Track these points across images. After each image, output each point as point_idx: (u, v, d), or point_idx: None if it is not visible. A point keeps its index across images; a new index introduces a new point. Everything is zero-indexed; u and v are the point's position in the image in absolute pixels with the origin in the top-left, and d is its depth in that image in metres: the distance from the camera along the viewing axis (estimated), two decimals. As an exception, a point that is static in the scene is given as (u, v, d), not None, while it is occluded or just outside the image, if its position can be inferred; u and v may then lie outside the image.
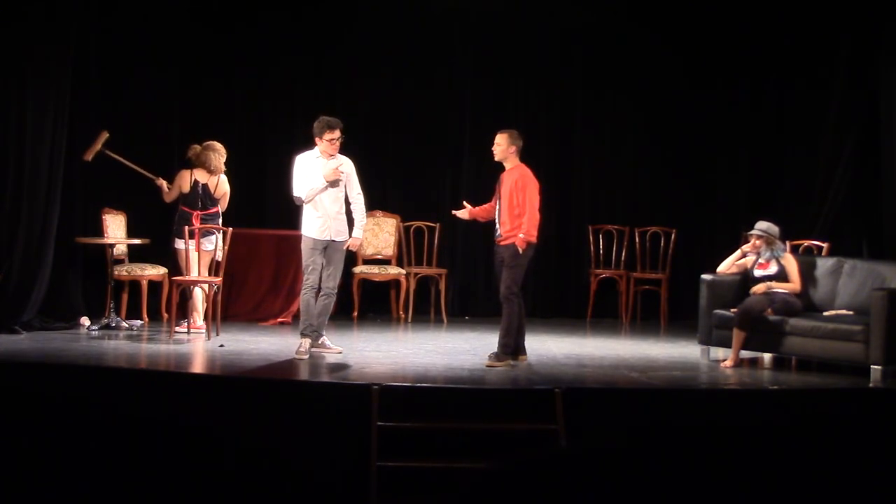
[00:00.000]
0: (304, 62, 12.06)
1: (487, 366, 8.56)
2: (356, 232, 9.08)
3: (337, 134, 8.91)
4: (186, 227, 9.89)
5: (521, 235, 8.60)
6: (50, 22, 9.80)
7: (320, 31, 11.98)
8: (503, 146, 8.85)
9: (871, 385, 8.23)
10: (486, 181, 11.94)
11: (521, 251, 8.62)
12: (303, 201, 8.92)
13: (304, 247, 8.92)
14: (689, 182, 12.35)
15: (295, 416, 7.41)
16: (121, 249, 10.58)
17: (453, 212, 9.44)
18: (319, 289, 8.93)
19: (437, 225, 11.93)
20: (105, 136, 10.27)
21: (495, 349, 8.70)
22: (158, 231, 10.64)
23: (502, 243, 8.77)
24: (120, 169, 10.63)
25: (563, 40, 12.32)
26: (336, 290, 9.04)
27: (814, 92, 11.46)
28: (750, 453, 7.43)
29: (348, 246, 9.05)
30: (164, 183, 10.32)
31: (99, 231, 10.47)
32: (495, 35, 12.21)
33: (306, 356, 8.72)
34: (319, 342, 8.95)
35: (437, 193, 12.34)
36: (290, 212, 11.57)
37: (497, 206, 8.87)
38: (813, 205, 11.19)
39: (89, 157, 10.24)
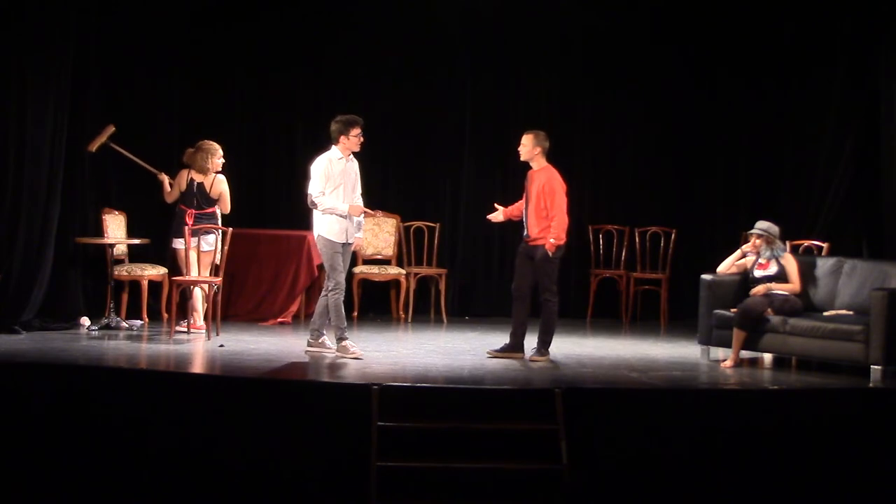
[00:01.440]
0: (304, 62, 12.04)
1: (531, 360, 8.85)
2: (357, 233, 9.07)
3: (361, 130, 8.91)
4: (185, 227, 9.90)
5: (552, 240, 8.74)
6: (50, 22, 9.79)
7: (320, 32, 11.97)
8: (528, 147, 8.95)
9: (871, 385, 8.23)
10: (485, 181, 12.02)
11: (551, 255, 8.76)
12: (341, 212, 8.75)
13: (326, 250, 8.83)
14: (689, 182, 12.35)
15: (295, 416, 7.41)
16: (121, 249, 10.57)
17: (488, 217, 9.41)
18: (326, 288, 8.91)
19: (437, 225, 11.93)
20: (111, 129, 10.33)
21: (535, 346, 8.97)
22: (158, 231, 10.65)
23: (531, 243, 8.89)
24: (120, 169, 10.63)
25: (563, 40, 12.31)
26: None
27: (814, 92, 11.45)
28: (750, 453, 7.45)
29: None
30: (166, 178, 10.33)
31: (99, 231, 10.47)
32: (495, 35, 12.20)
33: (359, 353, 8.73)
34: (319, 341, 8.94)
35: (437, 193, 12.34)
36: (290, 212, 11.60)
37: (525, 205, 8.95)
38: (813, 205, 11.20)
39: (93, 147, 10.28)
